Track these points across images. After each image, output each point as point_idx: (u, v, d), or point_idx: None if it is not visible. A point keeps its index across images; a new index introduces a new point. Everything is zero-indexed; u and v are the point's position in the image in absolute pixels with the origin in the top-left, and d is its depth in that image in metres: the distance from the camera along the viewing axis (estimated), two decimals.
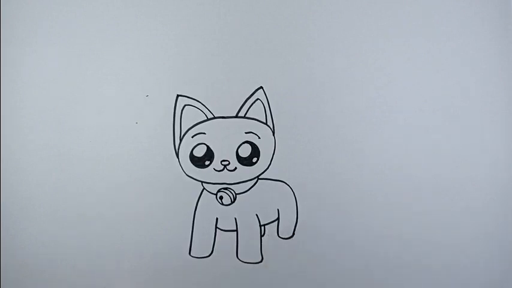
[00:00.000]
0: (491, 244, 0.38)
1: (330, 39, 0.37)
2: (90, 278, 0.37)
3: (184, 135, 0.37)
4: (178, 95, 0.37)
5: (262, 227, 0.38)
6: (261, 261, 0.38)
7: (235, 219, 0.38)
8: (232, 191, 0.37)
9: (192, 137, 0.37)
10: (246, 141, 0.37)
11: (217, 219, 0.38)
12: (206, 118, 0.37)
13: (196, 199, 0.37)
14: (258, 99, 0.37)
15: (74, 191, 0.37)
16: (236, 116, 0.37)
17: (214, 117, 0.37)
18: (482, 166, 0.37)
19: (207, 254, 0.38)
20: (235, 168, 0.37)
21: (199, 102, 0.37)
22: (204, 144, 0.37)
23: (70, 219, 0.37)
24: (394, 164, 0.37)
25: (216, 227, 0.38)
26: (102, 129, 0.37)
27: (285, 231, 0.38)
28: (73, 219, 0.37)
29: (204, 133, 0.37)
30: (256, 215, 0.38)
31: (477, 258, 0.38)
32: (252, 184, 0.37)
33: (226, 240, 0.38)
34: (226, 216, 0.38)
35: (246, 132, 0.37)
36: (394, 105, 0.37)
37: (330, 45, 0.37)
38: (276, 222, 0.38)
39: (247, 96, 0.37)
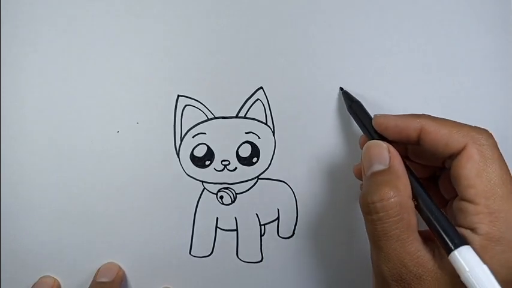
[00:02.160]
0: None
1: (330, 39, 0.37)
2: (90, 277, 0.37)
3: (185, 135, 0.37)
4: (179, 95, 0.37)
5: (262, 227, 0.38)
6: (261, 261, 0.38)
7: (236, 218, 0.38)
8: (232, 191, 0.37)
9: (193, 137, 0.37)
10: (246, 141, 0.37)
11: (217, 218, 0.38)
12: (207, 118, 0.37)
13: (197, 199, 0.37)
14: (258, 99, 0.37)
15: (73, 191, 0.37)
16: (236, 116, 0.37)
17: (215, 118, 0.37)
18: None
19: (208, 254, 0.38)
20: (236, 168, 0.37)
21: (200, 102, 0.37)
22: (205, 144, 0.37)
23: (70, 219, 0.37)
24: None
25: (217, 227, 0.38)
26: (103, 129, 0.37)
27: (285, 231, 0.38)
28: (73, 219, 0.37)
29: (205, 133, 0.37)
30: (256, 214, 0.38)
31: None
32: (252, 184, 0.38)
33: (226, 240, 0.38)
34: (227, 215, 0.38)
35: (246, 132, 0.37)
36: (394, 105, 0.37)
37: (330, 45, 0.37)
38: (276, 222, 0.38)
39: (247, 97, 0.37)
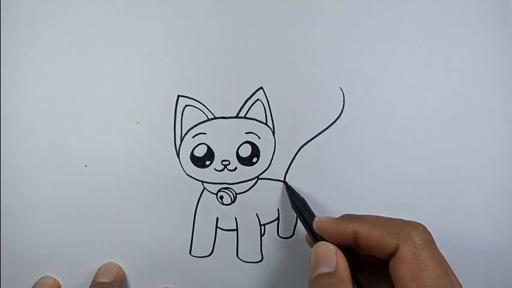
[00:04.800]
0: (491, 244, 0.38)
1: (330, 40, 0.37)
2: (90, 278, 0.37)
3: (185, 135, 0.37)
4: (179, 96, 0.37)
5: (262, 227, 0.38)
6: (260, 261, 0.38)
7: (236, 218, 0.38)
8: (232, 191, 0.37)
9: (193, 137, 0.37)
10: (246, 141, 0.37)
11: (217, 218, 0.38)
12: (207, 118, 0.37)
13: (197, 199, 0.37)
14: (258, 99, 0.37)
15: (73, 191, 0.37)
16: (236, 117, 0.37)
17: (215, 118, 0.37)
18: (483, 166, 0.37)
19: (208, 254, 0.38)
20: (236, 168, 0.37)
21: (200, 102, 0.37)
22: (205, 144, 0.37)
23: (70, 219, 0.37)
24: (394, 164, 0.37)
25: (217, 227, 0.38)
26: (103, 129, 0.37)
27: (285, 231, 0.38)
28: (73, 219, 0.37)
29: (205, 133, 0.37)
30: (256, 214, 0.38)
31: (477, 259, 0.38)
32: (252, 184, 0.37)
33: (226, 240, 0.38)
34: (227, 215, 0.38)
35: (246, 133, 0.37)
36: (394, 105, 0.37)
37: (330, 45, 0.37)
38: (276, 222, 0.38)
39: (247, 97, 0.37)
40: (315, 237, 0.32)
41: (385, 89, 0.37)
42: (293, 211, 0.37)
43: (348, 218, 0.30)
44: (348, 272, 0.28)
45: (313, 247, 0.31)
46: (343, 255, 0.29)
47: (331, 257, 0.29)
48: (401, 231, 0.28)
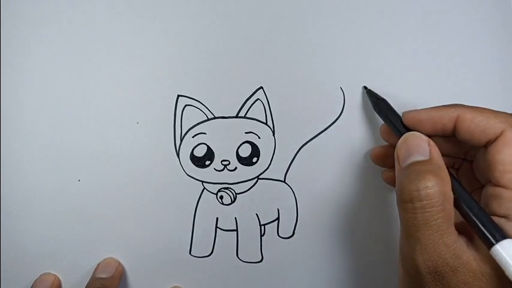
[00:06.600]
0: None
1: (330, 39, 0.37)
2: (90, 275, 0.37)
3: (184, 135, 0.37)
4: (178, 95, 0.37)
5: (262, 227, 0.38)
6: (261, 261, 0.38)
7: (236, 218, 0.38)
8: (232, 191, 0.37)
9: (193, 137, 0.37)
10: (246, 141, 0.37)
11: (217, 218, 0.38)
12: (206, 118, 0.37)
13: (197, 199, 0.37)
14: (258, 99, 0.37)
15: (73, 191, 0.37)
16: (236, 116, 0.37)
17: (215, 118, 0.37)
18: None
19: (207, 254, 0.38)
20: (236, 168, 0.37)
21: (200, 102, 0.37)
22: (205, 144, 0.37)
23: (70, 219, 0.37)
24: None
25: (216, 227, 0.38)
26: (102, 129, 0.37)
27: (285, 231, 0.38)
28: (73, 219, 0.37)
29: (205, 133, 0.37)
30: (256, 214, 0.38)
31: None
32: (252, 184, 0.37)
33: (226, 240, 0.38)
34: (227, 215, 0.38)
35: (246, 132, 0.37)
36: (394, 105, 0.37)
37: (330, 45, 0.37)
38: (276, 222, 0.38)
39: (247, 97, 0.37)
40: (400, 133, 0.31)
41: (385, 89, 0.37)
42: (293, 211, 0.37)
43: (446, 105, 0.30)
44: (443, 160, 0.28)
45: (402, 138, 0.30)
46: (435, 144, 0.29)
47: (423, 146, 0.29)
48: (507, 117, 0.28)
